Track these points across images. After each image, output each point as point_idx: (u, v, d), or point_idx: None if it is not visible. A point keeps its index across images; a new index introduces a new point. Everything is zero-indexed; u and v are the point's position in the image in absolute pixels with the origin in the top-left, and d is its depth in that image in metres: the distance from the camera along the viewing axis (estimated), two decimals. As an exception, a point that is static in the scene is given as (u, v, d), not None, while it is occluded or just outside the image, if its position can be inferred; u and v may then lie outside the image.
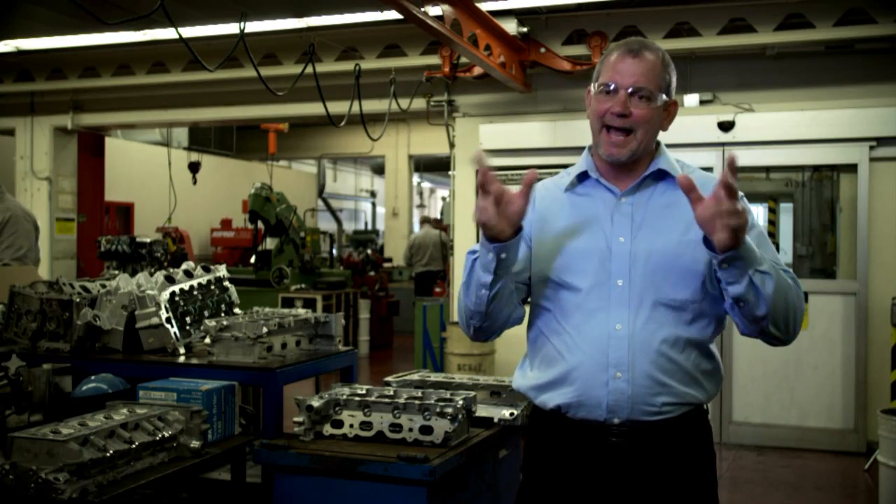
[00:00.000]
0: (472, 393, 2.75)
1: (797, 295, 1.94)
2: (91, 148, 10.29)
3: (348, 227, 22.13)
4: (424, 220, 13.59)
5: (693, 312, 1.98)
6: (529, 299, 2.13)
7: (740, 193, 2.08)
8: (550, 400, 2.03)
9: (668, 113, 2.08)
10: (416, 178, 20.02)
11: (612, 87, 1.99)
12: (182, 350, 3.45)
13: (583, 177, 2.11)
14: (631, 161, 2.03)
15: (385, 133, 8.02)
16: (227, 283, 3.88)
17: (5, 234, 4.79)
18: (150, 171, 13.19)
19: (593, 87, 2.05)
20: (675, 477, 2.00)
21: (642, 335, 1.95)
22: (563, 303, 2.03)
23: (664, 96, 2.02)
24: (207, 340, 3.35)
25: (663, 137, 2.13)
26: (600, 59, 2.08)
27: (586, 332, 1.98)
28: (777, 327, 1.91)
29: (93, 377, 2.97)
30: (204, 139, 14.88)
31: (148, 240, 6.59)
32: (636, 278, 1.97)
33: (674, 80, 2.06)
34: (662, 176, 2.06)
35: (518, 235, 1.92)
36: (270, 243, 10.67)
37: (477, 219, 1.89)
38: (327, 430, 2.63)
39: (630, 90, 1.97)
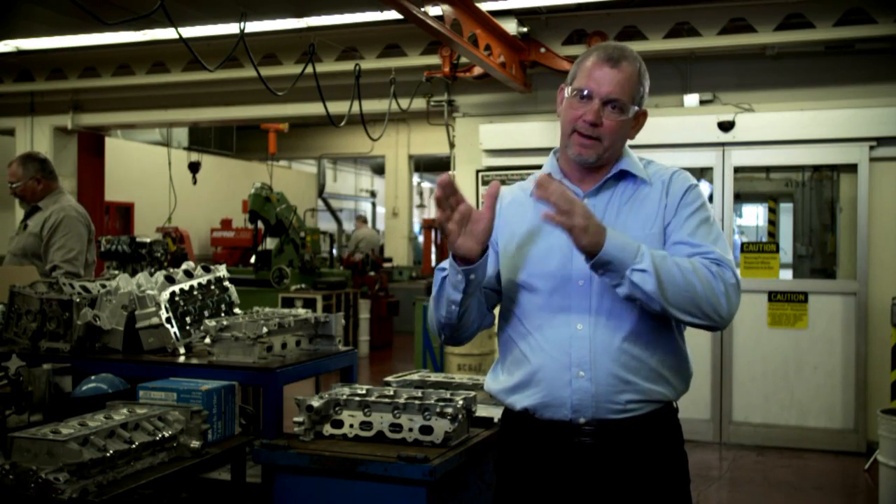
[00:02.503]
0: (472, 393, 2.75)
1: (712, 278, 1.91)
2: (91, 148, 10.29)
3: (348, 227, 22.13)
4: (363, 221, 15.05)
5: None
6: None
7: (691, 184, 2.09)
8: (519, 402, 2.06)
9: (637, 122, 2.09)
10: (416, 178, 20.03)
11: (585, 93, 2.00)
12: (182, 350, 3.45)
13: None
14: (596, 164, 2.05)
15: (385, 133, 8.02)
16: (227, 283, 3.88)
17: (57, 235, 4.68)
18: (150, 171, 13.19)
19: (567, 90, 2.06)
20: (644, 476, 2.01)
21: (603, 333, 1.97)
22: (526, 305, 2.06)
23: (636, 108, 2.03)
24: (207, 340, 3.35)
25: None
26: (577, 61, 2.08)
27: (549, 334, 2.01)
28: (688, 314, 1.91)
29: (93, 377, 2.97)
30: (204, 139, 14.89)
31: (148, 240, 6.59)
32: (597, 277, 1.98)
33: (647, 89, 2.07)
34: (624, 175, 2.09)
35: (486, 254, 1.95)
36: (270, 243, 10.66)
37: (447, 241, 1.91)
38: (327, 430, 2.63)
39: (604, 100, 1.98)
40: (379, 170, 20.46)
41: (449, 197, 1.88)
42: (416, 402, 2.58)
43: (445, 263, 2.03)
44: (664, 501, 2.04)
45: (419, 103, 7.86)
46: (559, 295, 2.01)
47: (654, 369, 2.00)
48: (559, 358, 1.99)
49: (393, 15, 6.17)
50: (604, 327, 1.97)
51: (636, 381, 1.98)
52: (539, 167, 2.22)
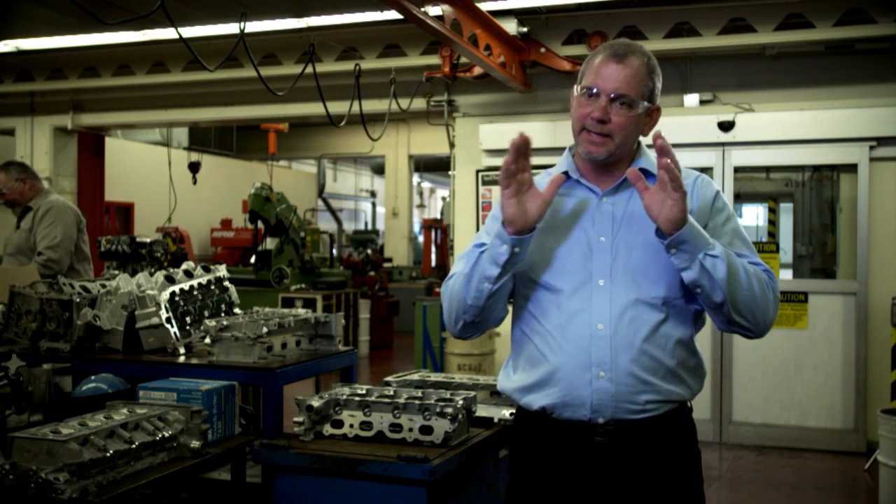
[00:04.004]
0: (472, 393, 2.75)
1: (765, 286, 1.95)
2: (91, 148, 10.29)
3: (348, 227, 22.13)
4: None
5: (674, 309, 2.00)
6: (511, 299, 2.14)
7: (718, 190, 2.11)
8: (535, 401, 2.05)
9: (651, 118, 2.08)
10: (416, 178, 20.04)
11: (594, 91, 1.99)
12: (182, 350, 3.45)
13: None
14: (609, 161, 2.04)
15: (385, 133, 8.02)
16: (227, 283, 3.88)
17: (43, 224, 4.93)
18: (150, 171, 13.20)
19: (577, 89, 2.05)
20: (660, 476, 2.01)
21: (624, 334, 1.97)
22: (545, 304, 2.04)
23: (646, 103, 2.02)
24: (207, 340, 3.35)
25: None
26: (586, 60, 2.08)
27: (568, 333, 2.00)
28: (742, 316, 1.93)
29: (93, 377, 2.97)
30: (204, 139, 14.89)
31: (148, 240, 6.57)
32: (617, 277, 1.98)
33: (658, 85, 2.05)
34: (643, 174, 2.07)
35: (535, 231, 1.94)
36: (270, 243, 10.67)
37: (503, 210, 1.91)
38: (327, 430, 2.63)
39: (612, 96, 1.98)
40: (379, 170, 20.47)
41: (518, 160, 1.87)
42: (416, 402, 2.58)
43: (484, 237, 2.02)
44: (679, 500, 2.04)
45: (419, 103, 7.86)
46: (579, 294, 1.99)
47: (672, 370, 2.00)
48: (579, 357, 1.97)
49: (393, 15, 6.17)
50: (625, 327, 1.97)
51: (655, 382, 1.98)
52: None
